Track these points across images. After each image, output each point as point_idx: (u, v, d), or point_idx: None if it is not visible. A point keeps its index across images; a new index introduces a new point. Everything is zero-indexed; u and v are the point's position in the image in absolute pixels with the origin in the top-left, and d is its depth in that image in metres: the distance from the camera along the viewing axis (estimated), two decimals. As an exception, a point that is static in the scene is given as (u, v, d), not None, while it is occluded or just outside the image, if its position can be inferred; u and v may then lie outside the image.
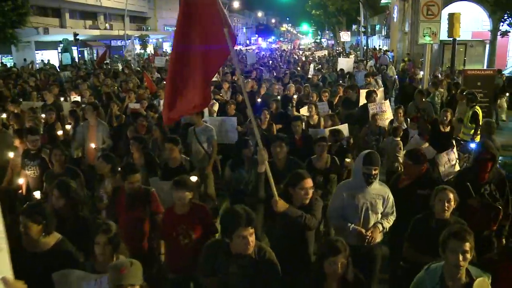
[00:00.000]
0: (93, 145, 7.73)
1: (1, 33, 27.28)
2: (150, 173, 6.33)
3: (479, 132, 8.55)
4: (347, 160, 6.55)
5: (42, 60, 32.34)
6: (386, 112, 9.64)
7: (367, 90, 10.90)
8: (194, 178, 5.69)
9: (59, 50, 34.01)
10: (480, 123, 8.78)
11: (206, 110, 9.18)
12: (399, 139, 7.96)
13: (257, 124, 7.71)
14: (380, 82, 15.31)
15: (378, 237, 4.65)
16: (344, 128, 7.98)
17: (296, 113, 9.84)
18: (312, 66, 19.63)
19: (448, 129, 8.24)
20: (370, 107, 9.57)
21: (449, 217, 4.24)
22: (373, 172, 4.50)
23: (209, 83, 4.49)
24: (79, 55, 38.44)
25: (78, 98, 11.37)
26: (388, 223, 4.70)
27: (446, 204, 4.18)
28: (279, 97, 11.47)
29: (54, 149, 6.15)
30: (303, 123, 8.14)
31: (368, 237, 4.52)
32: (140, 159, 6.54)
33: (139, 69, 21.70)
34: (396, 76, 19.41)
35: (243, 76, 16.24)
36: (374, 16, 47.47)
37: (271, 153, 5.77)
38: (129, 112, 10.05)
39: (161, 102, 9.94)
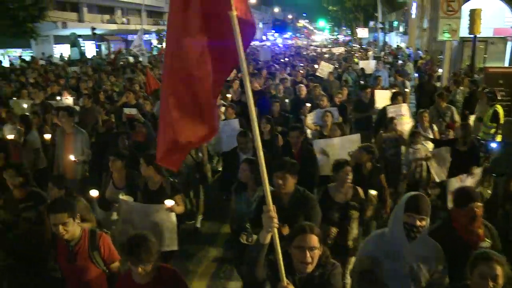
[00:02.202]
0: (72, 157, 6.61)
1: (21, 27, 27.64)
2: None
3: (499, 131, 8.14)
4: (372, 192, 5.03)
5: (61, 54, 32.44)
6: (405, 116, 8.55)
7: (393, 91, 9.76)
8: (170, 202, 4.80)
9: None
10: (501, 122, 8.28)
11: None
12: (419, 147, 7.13)
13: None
14: (407, 83, 13.98)
15: None
16: (356, 139, 6.90)
17: (307, 122, 8.54)
18: (323, 63, 16.68)
19: (465, 147, 6.78)
20: (388, 110, 8.52)
21: None
22: (419, 223, 3.11)
23: (214, 98, 2.89)
24: (97, 49, 38.59)
25: (71, 99, 10.26)
26: None
27: (491, 284, 2.76)
28: (287, 100, 10.40)
29: (6, 169, 4.97)
30: (304, 135, 6.85)
31: None
32: (121, 180, 5.45)
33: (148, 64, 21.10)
34: (416, 74, 18.78)
35: (251, 74, 15.53)
36: (392, 12, 46.62)
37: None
38: (124, 118, 8.75)
39: None
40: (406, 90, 12.65)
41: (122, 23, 45.05)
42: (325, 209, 4.62)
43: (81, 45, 35.37)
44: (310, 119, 8.55)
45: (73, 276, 3.83)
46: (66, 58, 29.58)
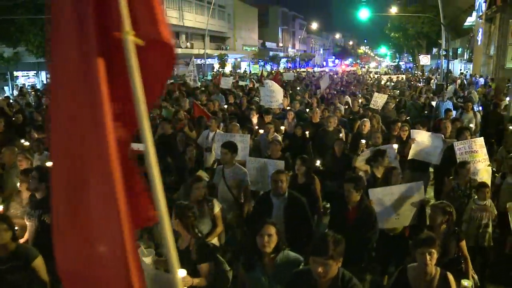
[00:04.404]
0: None
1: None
2: None
3: None
4: (465, 284, 3.70)
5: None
6: (478, 153, 6.91)
7: (459, 127, 8.13)
8: (182, 273, 3.41)
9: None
10: None
11: (243, 146, 7.23)
12: (484, 202, 5.62)
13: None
14: (479, 116, 11.87)
15: None
16: (420, 189, 5.57)
17: (357, 163, 7.23)
18: (376, 94, 13.68)
19: None
20: (456, 147, 6.99)
21: None
22: None
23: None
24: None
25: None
26: None
27: None
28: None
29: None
30: (363, 189, 5.20)
31: None
32: None
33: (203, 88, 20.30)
34: (481, 108, 17.09)
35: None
36: (456, 39, 44.71)
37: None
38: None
39: (211, 134, 8.32)
40: (471, 125, 10.66)
41: (186, 47, 46.42)
42: None
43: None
44: (362, 159, 7.12)
45: None
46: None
